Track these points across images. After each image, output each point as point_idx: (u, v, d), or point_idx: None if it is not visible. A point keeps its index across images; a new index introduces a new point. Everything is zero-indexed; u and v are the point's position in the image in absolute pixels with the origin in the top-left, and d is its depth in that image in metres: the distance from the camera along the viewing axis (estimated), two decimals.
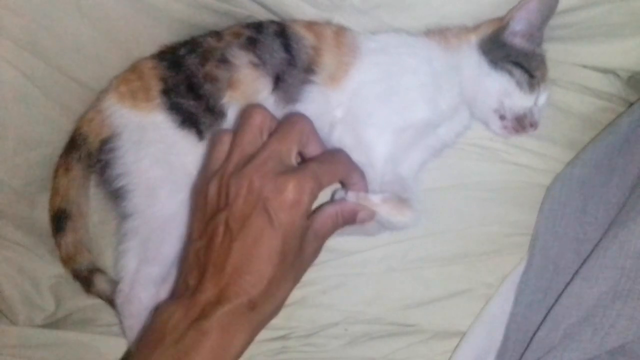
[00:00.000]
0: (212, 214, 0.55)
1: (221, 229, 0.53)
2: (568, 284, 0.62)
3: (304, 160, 0.60)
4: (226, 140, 0.58)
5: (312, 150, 0.59)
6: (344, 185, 0.65)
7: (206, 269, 0.52)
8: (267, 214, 0.51)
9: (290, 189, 0.52)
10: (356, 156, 0.70)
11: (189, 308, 0.51)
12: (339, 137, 0.72)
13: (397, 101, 0.72)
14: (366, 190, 0.64)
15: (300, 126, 0.57)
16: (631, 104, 0.78)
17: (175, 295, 0.55)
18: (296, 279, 0.57)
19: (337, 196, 0.66)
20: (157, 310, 0.54)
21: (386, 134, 0.72)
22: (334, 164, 0.59)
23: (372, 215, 0.64)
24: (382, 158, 0.70)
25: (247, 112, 0.58)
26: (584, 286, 0.59)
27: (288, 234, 0.52)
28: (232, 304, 0.51)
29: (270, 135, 0.57)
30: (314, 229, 0.57)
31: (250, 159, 0.54)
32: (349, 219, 0.62)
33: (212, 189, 0.55)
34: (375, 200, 0.65)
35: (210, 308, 0.51)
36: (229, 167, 0.55)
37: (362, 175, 0.64)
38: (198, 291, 0.52)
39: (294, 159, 0.56)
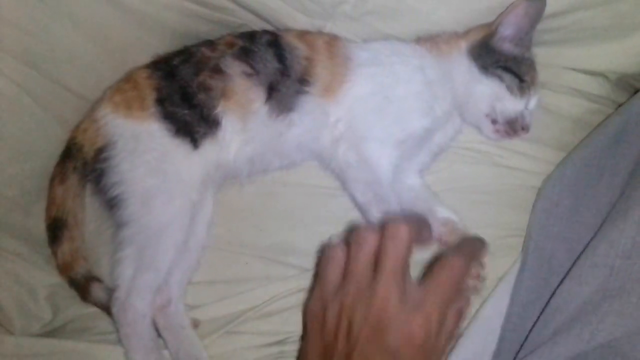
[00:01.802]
0: (331, 344, 0.53)
1: None
2: (560, 283, 0.63)
3: None
4: (339, 258, 0.56)
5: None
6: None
7: None
8: (394, 357, 0.50)
9: (417, 331, 0.50)
10: (362, 174, 0.71)
11: None
12: (344, 155, 0.72)
13: (394, 112, 0.72)
14: None
15: (406, 242, 0.53)
16: (620, 105, 0.79)
17: None
18: None
19: None
20: None
21: (388, 148, 0.72)
22: (446, 292, 0.54)
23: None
24: (387, 172, 0.70)
25: (359, 236, 0.54)
26: (574, 285, 0.60)
27: None
28: None
29: (381, 263, 0.53)
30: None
31: (368, 293, 0.52)
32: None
33: (330, 318, 0.54)
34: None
35: None
36: (347, 300, 0.53)
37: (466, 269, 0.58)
38: None
39: (411, 285, 0.53)
